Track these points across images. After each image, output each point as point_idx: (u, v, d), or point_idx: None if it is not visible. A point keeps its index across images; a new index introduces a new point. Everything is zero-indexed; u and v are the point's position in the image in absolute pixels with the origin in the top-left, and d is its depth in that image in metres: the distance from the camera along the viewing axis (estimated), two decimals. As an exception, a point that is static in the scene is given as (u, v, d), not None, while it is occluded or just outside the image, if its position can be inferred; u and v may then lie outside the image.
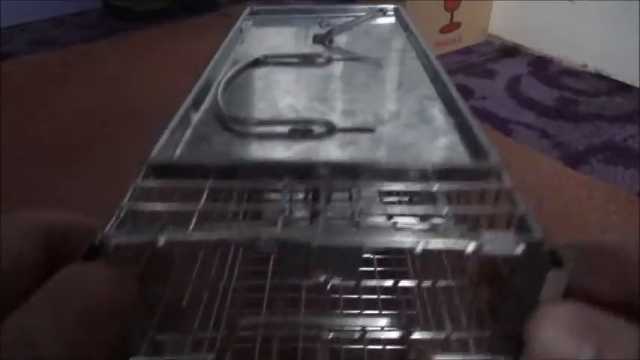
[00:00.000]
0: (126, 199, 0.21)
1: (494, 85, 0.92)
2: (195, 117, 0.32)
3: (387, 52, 0.43)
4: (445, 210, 0.20)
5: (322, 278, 0.23)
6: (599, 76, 0.93)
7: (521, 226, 0.19)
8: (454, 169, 0.23)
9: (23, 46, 1.17)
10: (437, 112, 0.31)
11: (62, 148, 0.72)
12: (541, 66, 0.99)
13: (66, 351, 0.14)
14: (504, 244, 0.17)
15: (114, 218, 0.19)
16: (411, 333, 0.24)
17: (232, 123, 0.30)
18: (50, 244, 0.18)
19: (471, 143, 0.27)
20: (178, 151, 0.28)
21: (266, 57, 0.41)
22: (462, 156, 0.26)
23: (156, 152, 0.26)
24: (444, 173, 0.23)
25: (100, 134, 0.76)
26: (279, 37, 0.48)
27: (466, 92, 0.90)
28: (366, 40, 0.46)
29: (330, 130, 0.29)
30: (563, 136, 0.75)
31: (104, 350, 0.15)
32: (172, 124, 0.29)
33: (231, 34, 0.46)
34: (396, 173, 0.23)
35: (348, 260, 0.21)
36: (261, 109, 0.33)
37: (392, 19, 0.52)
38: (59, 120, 0.80)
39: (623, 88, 0.89)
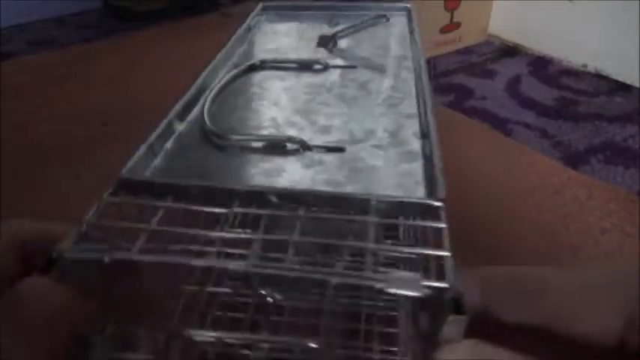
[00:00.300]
0: (89, 215, 0.22)
1: (494, 85, 0.92)
2: (180, 127, 0.33)
3: (385, 59, 0.42)
4: (370, 245, 0.21)
5: (264, 294, 0.24)
6: (599, 76, 0.93)
7: (439, 269, 0.20)
8: (394, 202, 0.23)
9: (23, 46, 1.17)
10: (411, 134, 0.31)
11: (62, 148, 0.72)
12: (541, 66, 0.99)
13: (25, 355, 0.16)
14: (410, 286, 0.18)
15: (74, 233, 0.21)
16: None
17: (213, 136, 0.31)
18: (27, 253, 0.20)
19: (429, 173, 0.27)
20: (156, 163, 0.29)
21: (264, 62, 0.41)
22: (415, 186, 0.26)
23: (132, 164, 0.27)
24: (385, 206, 0.23)
25: (100, 134, 0.76)
26: (286, 37, 0.48)
27: (466, 92, 0.90)
28: (369, 44, 0.46)
29: (303, 147, 0.30)
30: (563, 136, 0.75)
31: (57, 355, 0.17)
32: (154, 134, 0.30)
33: (239, 31, 0.46)
34: (338, 203, 0.24)
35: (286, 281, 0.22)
36: (244, 121, 0.34)
37: (404, 19, 0.51)
38: (59, 120, 0.80)
39: (623, 88, 0.89)
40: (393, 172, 0.27)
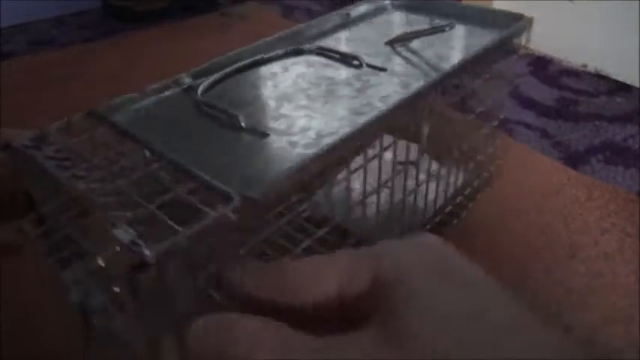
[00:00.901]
0: (53, 126, 0.32)
1: (494, 85, 0.92)
2: (189, 83, 0.37)
3: (425, 69, 0.42)
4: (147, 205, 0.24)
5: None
6: (599, 76, 0.93)
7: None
8: (210, 185, 0.25)
9: (23, 46, 1.17)
10: (331, 142, 0.31)
11: (62, 148, 0.72)
12: (541, 66, 0.99)
13: None
14: (121, 234, 0.21)
15: (34, 134, 0.29)
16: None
17: (196, 99, 0.35)
18: None
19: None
20: (139, 105, 0.35)
21: (311, 48, 0.43)
22: (257, 183, 0.27)
23: (118, 100, 0.34)
24: (200, 185, 0.25)
25: (100, 134, 0.76)
26: (370, 28, 0.48)
27: (466, 92, 0.89)
28: (435, 50, 0.45)
29: (243, 127, 0.33)
30: (563, 136, 0.75)
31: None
32: (157, 84, 0.36)
33: (330, 15, 0.47)
34: (186, 174, 0.26)
35: None
36: (236, 95, 0.37)
37: (502, 29, 0.49)
38: (59, 120, 0.80)
39: (623, 88, 0.89)
40: (271, 167, 0.29)
